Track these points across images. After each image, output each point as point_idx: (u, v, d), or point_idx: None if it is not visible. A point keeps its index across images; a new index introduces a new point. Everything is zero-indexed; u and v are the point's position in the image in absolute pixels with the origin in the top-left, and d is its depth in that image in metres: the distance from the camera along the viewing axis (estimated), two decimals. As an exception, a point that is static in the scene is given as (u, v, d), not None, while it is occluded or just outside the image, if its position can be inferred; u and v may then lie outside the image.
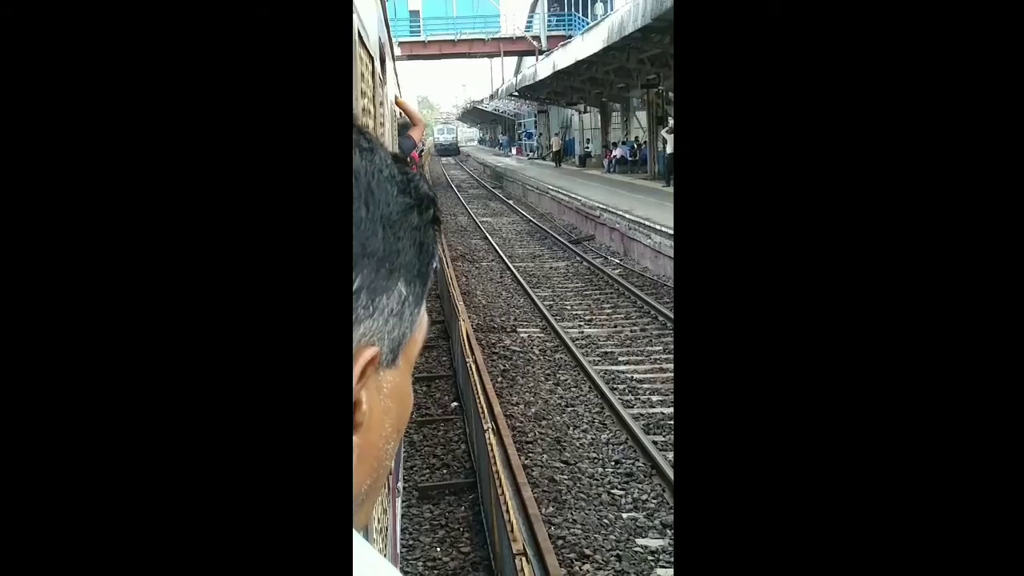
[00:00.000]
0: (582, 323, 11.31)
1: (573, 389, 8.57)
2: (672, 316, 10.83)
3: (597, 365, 9.21)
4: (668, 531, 5.59)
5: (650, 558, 5.28)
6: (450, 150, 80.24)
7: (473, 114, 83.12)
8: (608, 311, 11.97)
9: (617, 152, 30.99)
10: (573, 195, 21.98)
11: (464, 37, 46.38)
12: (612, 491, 6.23)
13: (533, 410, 8.01)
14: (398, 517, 5.14)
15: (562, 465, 6.71)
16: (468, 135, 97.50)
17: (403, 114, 7.68)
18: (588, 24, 33.90)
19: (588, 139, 39.24)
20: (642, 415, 7.66)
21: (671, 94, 24.16)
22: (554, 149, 39.70)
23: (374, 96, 3.11)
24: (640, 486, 6.27)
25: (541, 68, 32.74)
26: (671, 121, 24.55)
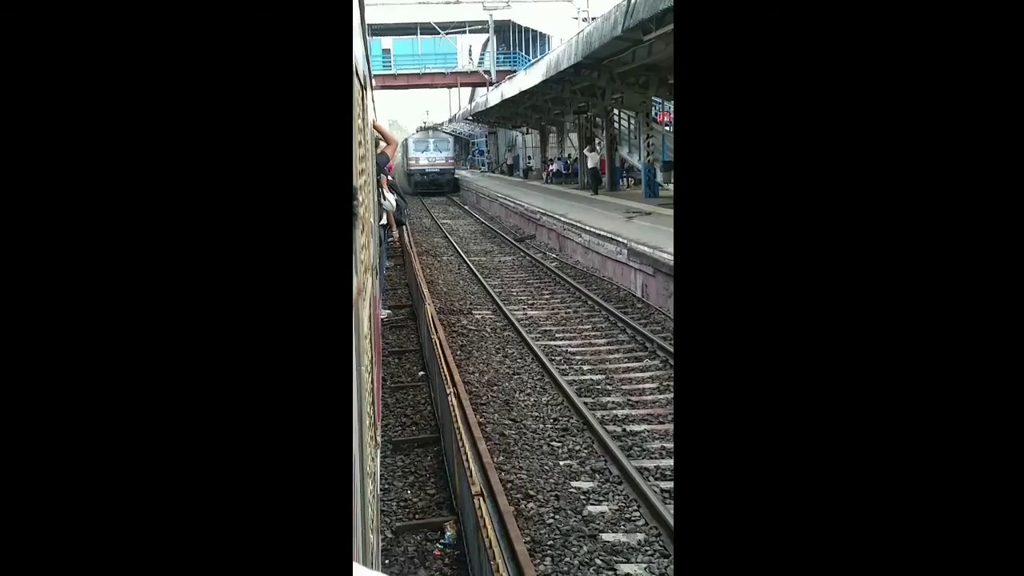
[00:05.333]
0: (526, 306, 11.31)
1: (519, 360, 8.57)
2: (599, 301, 10.88)
3: (538, 341, 9.22)
4: (597, 475, 5.64)
5: (582, 497, 5.32)
6: (439, 184, 35.24)
7: (435, 134, 71.26)
8: (547, 296, 11.98)
9: (553, 167, 30.97)
10: (518, 201, 21.93)
11: (427, 71, 46.01)
12: (551, 443, 6.25)
13: (486, 377, 8.01)
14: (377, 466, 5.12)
15: (510, 422, 6.72)
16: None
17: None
18: (530, 61, 33.76)
19: (529, 156, 39.28)
20: (575, 381, 7.70)
21: (598, 119, 24.17)
22: (508, 163, 40.35)
23: (364, 118, 3.09)
24: (574, 439, 6.30)
25: (491, 97, 32.54)
26: (596, 142, 24.54)
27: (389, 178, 8.44)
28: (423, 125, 43.33)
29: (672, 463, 5.70)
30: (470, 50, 48.10)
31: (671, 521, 4.74)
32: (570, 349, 8.93)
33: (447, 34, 45.26)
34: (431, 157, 36.14)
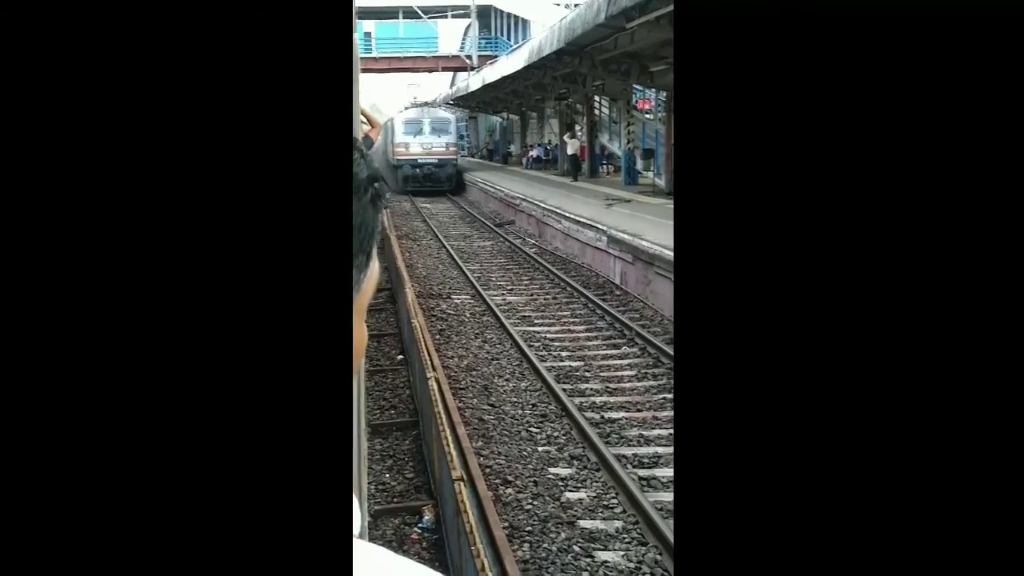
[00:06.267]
0: (505, 292, 11.30)
1: (498, 346, 8.55)
2: (578, 287, 10.88)
3: (517, 327, 9.21)
4: (575, 462, 5.63)
5: (560, 483, 5.31)
6: (437, 180, 25.96)
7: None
8: (526, 282, 11.97)
9: (533, 152, 30.93)
10: (498, 187, 21.89)
11: (409, 55, 45.74)
12: (529, 429, 6.24)
13: (465, 362, 7.98)
14: (355, 450, 5.08)
15: (489, 408, 6.71)
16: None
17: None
18: (512, 46, 33.67)
19: (510, 141, 39.23)
20: (554, 367, 7.69)
21: (579, 105, 24.13)
22: (489, 148, 40.66)
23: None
24: (552, 425, 6.29)
25: (472, 82, 32.35)
26: (576, 128, 24.54)
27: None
28: (413, 102, 32.11)
29: (651, 451, 5.70)
30: (465, 30, 47.52)
31: (649, 509, 4.73)
32: (549, 335, 8.91)
33: (429, 18, 45.03)
34: (426, 143, 25.76)
